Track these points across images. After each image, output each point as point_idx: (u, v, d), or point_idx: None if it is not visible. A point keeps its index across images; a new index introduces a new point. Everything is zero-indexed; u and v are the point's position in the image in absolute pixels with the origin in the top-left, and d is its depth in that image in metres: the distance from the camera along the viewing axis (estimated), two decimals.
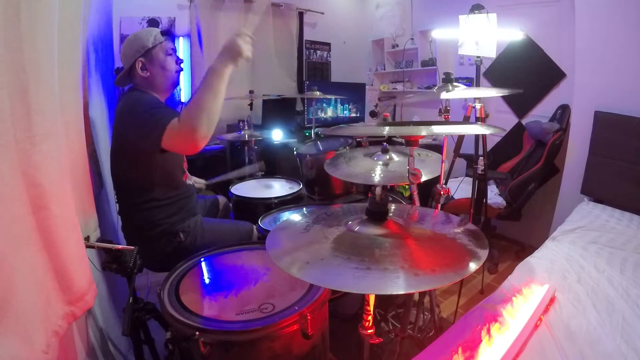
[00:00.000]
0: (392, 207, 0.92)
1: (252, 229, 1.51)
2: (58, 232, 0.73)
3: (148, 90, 1.31)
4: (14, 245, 0.63)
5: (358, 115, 3.88)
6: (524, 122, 2.79)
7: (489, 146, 2.43)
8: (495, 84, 2.92)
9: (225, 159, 3.12)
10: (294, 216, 0.92)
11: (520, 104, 2.81)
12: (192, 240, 1.34)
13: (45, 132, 0.68)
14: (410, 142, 0.84)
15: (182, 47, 3.18)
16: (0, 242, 0.60)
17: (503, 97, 2.91)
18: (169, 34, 1.38)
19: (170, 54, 1.34)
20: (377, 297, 0.82)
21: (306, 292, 0.96)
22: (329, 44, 4.05)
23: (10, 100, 0.61)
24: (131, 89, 1.32)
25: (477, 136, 2.01)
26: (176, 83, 1.39)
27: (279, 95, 3.28)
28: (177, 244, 1.32)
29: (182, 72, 1.41)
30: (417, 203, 1.15)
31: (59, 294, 0.75)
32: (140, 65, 1.28)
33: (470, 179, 1.94)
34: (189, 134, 1.06)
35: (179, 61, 1.37)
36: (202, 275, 1.10)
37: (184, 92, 3.17)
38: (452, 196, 2.28)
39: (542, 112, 2.66)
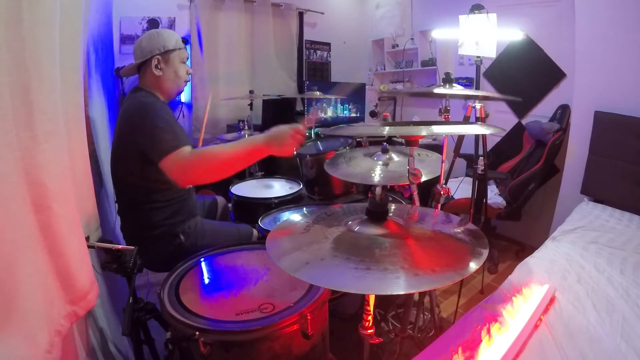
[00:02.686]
0: (392, 207, 0.92)
1: (252, 231, 1.51)
2: (60, 231, 0.73)
3: (154, 90, 1.32)
4: (17, 244, 0.63)
5: (358, 115, 3.88)
6: (524, 122, 2.79)
7: (489, 146, 2.43)
8: (495, 84, 2.92)
9: None
10: (294, 216, 0.92)
11: (520, 104, 2.80)
12: (192, 242, 1.34)
13: (48, 131, 0.69)
14: (410, 142, 0.85)
15: None
16: (3, 242, 0.60)
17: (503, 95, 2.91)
18: (186, 43, 1.39)
19: (184, 62, 1.36)
20: (377, 297, 0.82)
21: (306, 292, 0.95)
22: (329, 44, 4.06)
23: (13, 99, 0.61)
24: (137, 89, 1.32)
25: (477, 136, 2.01)
26: (181, 90, 1.43)
27: (279, 95, 3.28)
28: (177, 246, 1.32)
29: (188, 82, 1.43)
30: (417, 203, 1.15)
31: (61, 294, 0.75)
32: (155, 62, 1.28)
33: (470, 179, 1.94)
34: (187, 174, 1.10)
35: (188, 71, 1.39)
36: (202, 275, 1.10)
37: (183, 94, 3.18)
38: (452, 196, 2.28)
39: (542, 112, 2.66)
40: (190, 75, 1.43)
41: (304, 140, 1.08)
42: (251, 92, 2.53)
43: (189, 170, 1.10)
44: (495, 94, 2.40)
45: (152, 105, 1.22)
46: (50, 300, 0.71)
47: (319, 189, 1.89)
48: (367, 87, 4.00)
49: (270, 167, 2.76)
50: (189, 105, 3.22)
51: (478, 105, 1.76)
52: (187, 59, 1.38)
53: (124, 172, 1.30)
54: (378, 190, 0.81)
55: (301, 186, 1.94)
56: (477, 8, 1.89)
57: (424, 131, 0.79)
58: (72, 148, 0.98)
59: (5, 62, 0.59)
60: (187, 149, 1.12)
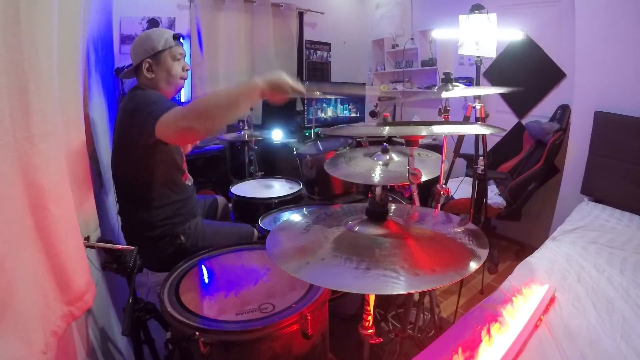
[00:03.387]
0: (392, 207, 0.92)
1: (253, 231, 1.51)
2: (57, 232, 0.73)
3: (152, 90, 1.32)
4: (13, 245, 0.63)
5: (358, 115, 3.88)
6: (524, 122, 2.79)
7: (489, 146, 2.43)
8: (495, 84, 2.92)
9: (225, 159, 3.12)
10: (294, 216, 0.92)
11: (520, 104, 2.81)
12: (193, 243, 1.34)
13: (45, 132, 0.69)
14: (410, 142, 0.84)
15: None
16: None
17: (503, 97, 2.91)
18: (181, 38, 1.37)
19: (178, 59, 1.33)
20: (377, 297, 0.82)
21: (306, 292, 0.95)
22: (329, 44, 4.06)
23: (10, 100, 0.61)
24: (135, 88, 1.32)
25: (477, 136, 2.01)
26: (179, 89, 1.40)
27: None
28: (177, 246, 1.32)
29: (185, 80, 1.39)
30: (417, 203, 1.15)
31: (57, 294, 0.75)
32: (147, 65, 1.28)
33: (470, 179, 1.94)
34: (186, 125, 1.03)
35: (185, 68, 1.36)
36: (202, 275, 1.10)
37: (184, 93, 3.17)
38: (452, 196, 2.28)
39: (542, 112, 2.66)
40: (190, 73, 1.41)
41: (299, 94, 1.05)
42: None
43: (185, 123, 1.03)
44: (492, 89, 2.39)
45: (147, 94, 1.22)
46: (47, 301, 0.71)
47: (319, 189, 1.89)
48: (367, 87, 4.00)
49: (270, 167, 2.77)
50: None
51: (478, 105, 1.76)
52: (183, 55, 1.35)
53: (124, 171, 1.30)
54: (378, 190, 0.81)
55: (301, 186, 1.94)
56: (477, 8, 1.89)
57: (424, 131, 0.79)
58: (71, 148, 0.98)
59: (3, 62, 0.59)
60: (177, 107, 1.08)
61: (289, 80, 1.02)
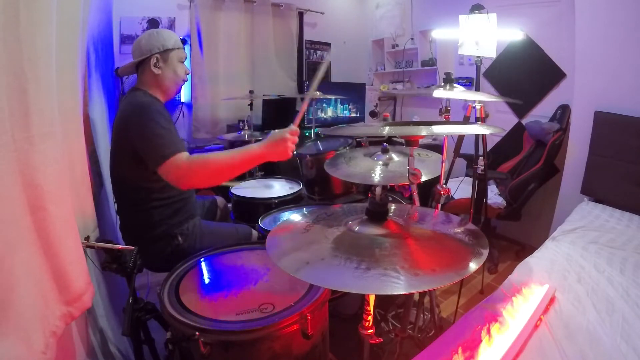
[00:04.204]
0: (392, 207, 0.92)
1: (251, 232, 1.50)
2: (56, 232, 0.73)
3: (153, 90, 1.32)
4: (12, 245, 0.63)
5: (358, 115, 3.88)
6: (524, 122, 2.79)
7: (489, 146, 2.43)
8: (495, 84, 2.92)
9: None
10: (294, 216, 0.92)
11: (520, 104, 2.81)
12: (191, 244, 1.34)
13: (44, 133, 0.69)
14: (410, 142, 0.84)
15: None
16: None
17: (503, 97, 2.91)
18: (185, 44, 1.40)
19: (182, 62, 1.37)
20: (377, 297, 0.82)
21: (306, 292, 0.95)
22: (329, 44, 4.06)
23: (9, 100, 0.61)
24: (135, 89, 1.32)
25: (477, 136, 2.01)
26: (179, 89, 1.44)
27: (279, 95, 3.28)
28: (175, 247, 1.32)
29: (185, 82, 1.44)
30: (417, 203, 1.15)
31: (56, 295, 0.75)
32: (154, 61, 1.28)
33: (470, 179, 1.94)
34: (182, 181, 1.12)
35: (186, 71, 1.40)
36: (202, 275, 1.10)
37: (183, 93, 3.17)
38: (452, 196, 2.28)
39: (542, 112, 2.66)
40: (189, 75, 1.44)
41: (298, 140, 1.11)
42: (251, 92, 2.53)
43: (185, 178, 1.12)
44: (495, 96, 2.42)
45: (149, 106, 1.21)
46: (46, 301, 0.71)
47: (319, 189, 1.89)
48: (367, 87, 4.00)
49: (270, 167, 2.76)
50: (189, 105, 3.22)
51: (478, 105, 1.76)
52: (185, 59, 1.39)
53: (123, 172, 1.30)
54: (378, 190, 0.81)
55: (301, 186, 1.94)
56: (477, 8, 1.89)
57: (424, 131, 0.79)
58: (70, 149, 0.98)
59: (2, 63, 0.59)
60: (183, 155, 1.12)
61: (284, 134, 1.09)
